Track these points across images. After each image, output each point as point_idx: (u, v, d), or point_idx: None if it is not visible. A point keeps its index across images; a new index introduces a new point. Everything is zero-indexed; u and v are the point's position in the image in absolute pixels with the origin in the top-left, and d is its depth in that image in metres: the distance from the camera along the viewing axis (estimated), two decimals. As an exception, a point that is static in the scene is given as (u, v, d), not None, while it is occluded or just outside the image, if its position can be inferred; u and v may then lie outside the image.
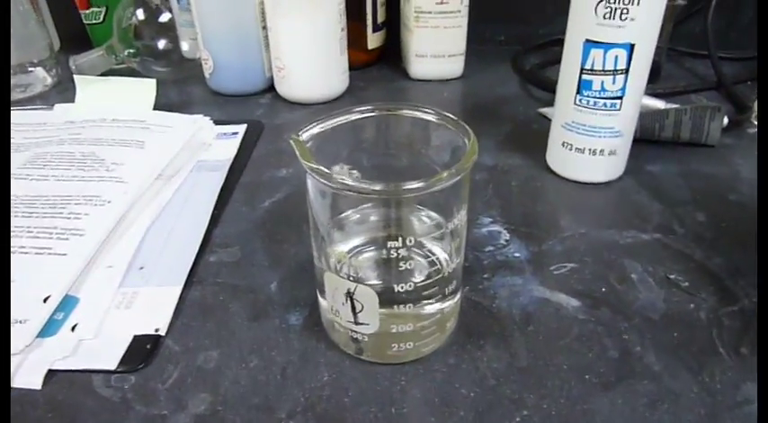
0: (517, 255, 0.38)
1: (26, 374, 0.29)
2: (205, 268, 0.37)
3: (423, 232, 0.29)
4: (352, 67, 0.62)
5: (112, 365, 0.30)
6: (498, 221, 0.41)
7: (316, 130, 0.29)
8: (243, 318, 0.33)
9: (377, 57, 0.69)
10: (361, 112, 0.29)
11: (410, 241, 0.25)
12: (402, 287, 0.26)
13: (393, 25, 0.69)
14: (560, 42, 0.74)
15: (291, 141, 0.27)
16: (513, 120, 0.56)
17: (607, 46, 0.39)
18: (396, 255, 0.25)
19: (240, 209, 0.43)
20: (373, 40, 0.67)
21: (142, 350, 0.31)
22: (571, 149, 0.44)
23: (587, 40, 0.39)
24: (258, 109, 0.59)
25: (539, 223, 0.41)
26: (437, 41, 0.62)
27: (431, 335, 0.29)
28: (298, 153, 0.26)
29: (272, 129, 0.55)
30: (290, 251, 0.38)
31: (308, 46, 0.56)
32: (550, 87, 0.60)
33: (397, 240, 0.25)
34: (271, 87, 0.62)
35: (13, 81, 0.63)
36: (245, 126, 0.54)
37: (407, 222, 0.29)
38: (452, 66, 0.64)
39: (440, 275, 0.27)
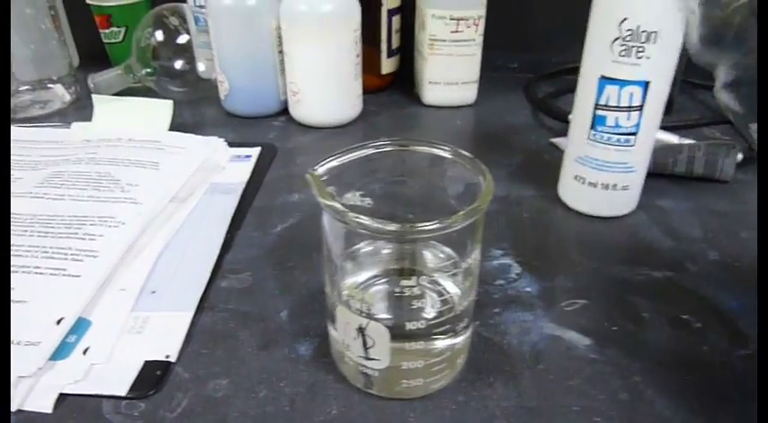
0: (528, 289, 0.37)
1: (37, 398, 0.29)
2: (216, 294, 0.37)
3: (436, 267, 0.29)
4: (365, 92, 0.62)
5: (123, 391, 0.30)
6: (510, 254, 0.41)
7: (332, 164, 0.29)
8: (252, 346, 0.33)
9: (390, 82, 0.70)
10: (377, 147, 0.30)
11: (423, 280, 0.26)
12: (414, 325, 0.26)
13: (407, 51, 0.69)
14: (573, 71, 0.74)
15: (308, 176, 0.27)
16: (524, 149, 0.56)
17: (622, 83, 0.39)
18: (409, 293, 0.26)
19: (252, 234, 0.43)
20: (387, 65, 0.67)
21: (152, 377, 0.31)
22: (583, 183, 0.44)
23: (602, 77, 0.40)
24: (271, 132, 0.59)
25: (550, 257, 0.41)
26: (451, 69, 0.62)
27: (441, 372, 0.29)
28: (314, 189, 0.26)
29: (285, 152, 0.55)
30: (300, 279, 0.38)
31: (323, 71, 0.56)
32: (562, 117, 0.60)
33: (410, 279, 0.25)
34: (284, 110, 0.62)
35: (31, 97, 0.64)
36: (258, 149, 0.54)
37: (421, 257, 0.29)
38: (465, 93, 0.64)
39: (452, 313, 0.27)
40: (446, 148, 0.29)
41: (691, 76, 0.69)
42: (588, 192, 0.44)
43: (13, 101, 0.63)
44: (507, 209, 0.46)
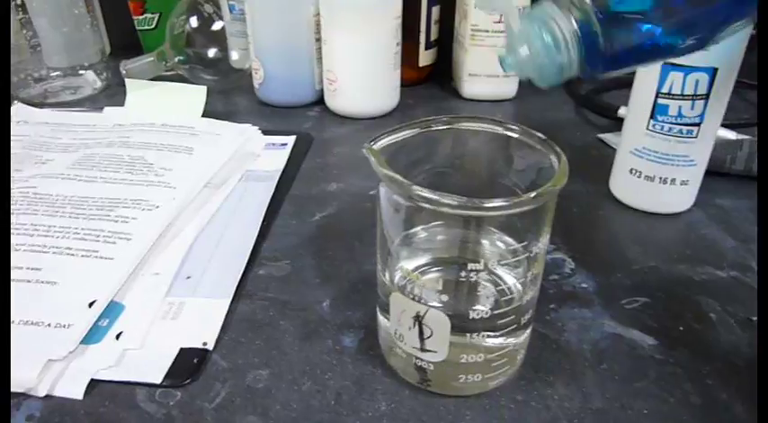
0: (584, 285, 0.35)
1: (68, 383, 0.28)
2: (254, 282, 0.35)
3: (496, 257, 0.27)
4: (401, 84, 0.60)
5: (158, 379, 0.28)
6: (561, 249, 0.38)
7: (385, 141, 0.27)
8: (294, 336, 0.31)
9: (427, 75, 0.68)
10: (436, 123, 0.28)
11: (492, 264, 0.23)
12: (478, 314, 0.24)
13: (443, 43, 0.67)
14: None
15: (365, 150, 0.25)
16: (570, 145, 0.54)
17: (688, 69, 0.37)
18: (475, 278, 0.23)
19: (290, 222, 0.41)
20: (425, 57, 0.65)
21: (189, 364, 0.29)
22: (640, 177, 0.41)
23: (666, 63, 0.37)
24: (306, 122, 0.58)
25: (605, 253, 0.38)
26: (492, 61, 0.60)
27: (501, 367, 0.27)
28: (373, 161, 0.24)
29: (321, 142, 0.53)
30: (341, 268, 0.37)
31: (363, 60, 0.55)
32: (609, 113, 0.57)
33: (479, 263, 0.23)
34: (319, 100, 0.61)
35: (62, 83, 0.63)
36: (294, 137, 0.53)
37: (482, 245, 0.27)
38: (506, 87, 0.62)
39: (517, 304, 0.25)
40: (513, 127, 0.27)
41: (739, 76, 0.67)
42: (643, 186, 0.41)
43: (44, 86, 0.63)
44: (556, 204, 0.44)
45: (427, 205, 0.22)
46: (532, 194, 0.23)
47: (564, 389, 0.28)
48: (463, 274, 0.23)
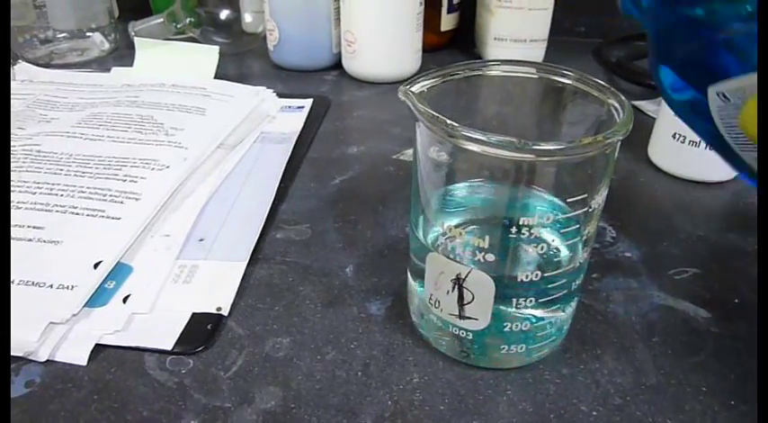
0: (628, 255, 0.33)
1: (71, 348, 0.25)
2: (271, 245, 0.33)
3: (548, 215, 0.24)
4: (422, 50, 0.57)
5: (168, 345, 0.26)
6: (601, 217, 0.36)
7: (418, 87, 0.24)
8: (316, 303, 0.29)
9: (449, 40, 0.65)
10: (479, 67, 0.25)
11: (544, 222, 0.21)
12: (527, 276, 0.22)
13: (465, 8, 0.64)
14: (645, 37, 0.68)
15: (401, 93, 0.22)
16: (602, 112, 0.51)
17: (745, 22, 0.34)
18: (526, 234, 0.21)
19: (308, 185, 0.39)
20: (447, 21, 0.62)
21: (202, 330, 0.27)
22: (684, 142, 0.38)
23: (721, 15, 0.34)
24: (323, 85, 0.55)
25: (648, 222, 0.36)
26: (520, 24, 0.57)
27: (547, 338, 0.24)
28: (414, 101, 0.21)
29: (339, 105, 0.51)
30: (365, 233, 0.34)
31: (384, 19, 0.52)
32: (642, 80, 0.54)
33: (532, 217, 0.20)
34: (337, 65, 0.58)
35: (69, 45, 0.61)
36: (310, 101, 0.50)
37: (529, 206, 0.24)
38: (533, 52, 0.59)
39: (570, 266, 0.23)
40: (566, 73, 0.24)
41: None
42: (688, 152, 0.39)
43: (50, 47, 0.60)
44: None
45: (473, 146, 0.20)
46: (598, 138, 0.20)
47: (614, 363, 0.26)
48: (514, 230, 0.21)
